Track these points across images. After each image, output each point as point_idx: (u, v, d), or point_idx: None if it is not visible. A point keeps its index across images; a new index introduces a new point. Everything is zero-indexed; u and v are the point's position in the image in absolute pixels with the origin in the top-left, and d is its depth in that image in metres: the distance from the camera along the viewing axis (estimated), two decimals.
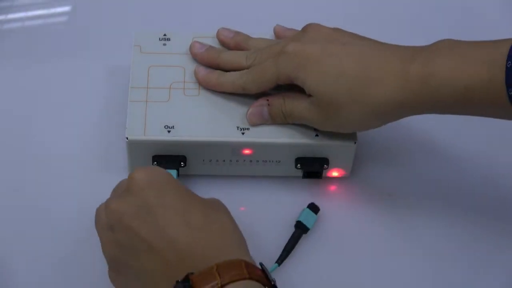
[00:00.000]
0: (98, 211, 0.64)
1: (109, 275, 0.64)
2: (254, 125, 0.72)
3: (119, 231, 0.61)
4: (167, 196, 0.61)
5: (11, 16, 0.90)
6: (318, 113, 0.69)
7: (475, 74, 0.62)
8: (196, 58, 0.76)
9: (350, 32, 0.70)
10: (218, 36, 0.77)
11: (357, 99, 0.66)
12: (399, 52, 0.67)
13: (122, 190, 0.63)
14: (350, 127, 0.70)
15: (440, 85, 0.64)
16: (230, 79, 0.73)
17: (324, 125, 0.70)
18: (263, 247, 0.71)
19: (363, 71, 0.66)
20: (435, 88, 0.64)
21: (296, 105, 0.70)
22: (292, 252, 0.71)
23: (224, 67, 0.74)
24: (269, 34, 0.78)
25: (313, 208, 0.73)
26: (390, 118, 0.68)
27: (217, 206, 0.64)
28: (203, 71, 0.75)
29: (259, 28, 0.77)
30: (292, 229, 0.72)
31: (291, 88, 0.71)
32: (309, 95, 0.69)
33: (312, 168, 0.74)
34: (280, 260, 0.70)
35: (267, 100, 0.72)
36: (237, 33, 0.77)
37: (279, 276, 0.67)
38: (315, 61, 0.67)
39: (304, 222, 0.72)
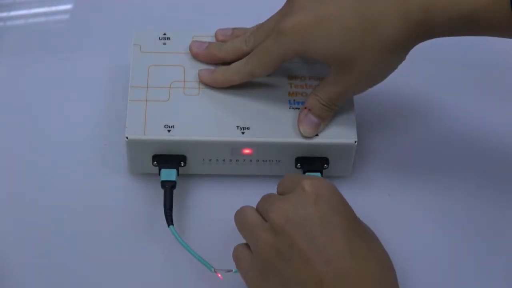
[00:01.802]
0: (250, 209, 0.65)
1: (249, 279, 0.63)
2: (312, 135, 0.72)
3: (280, 236, 0.60)
4: (337, 214, 0.60)
5: (13, 13, 0.90)
6: (345, 76, 0.69)
7: None
8: (198, 58, 0.76)
9: None
10: (217, 38, 0.77)
11: (368, 45, 0.66)
12: None
13: (293, 195, 0.62)
14: (375, 76, 0.69)
15: (441, 12, 0.64)
16: (236, 70, 0.73)
17: (357, 85, 0.70)
18: None
19: (363, 18, 0.66)
20: (437, 15, 0.64)
21: (326, 87, 0.70)
22: None
23: (227, 59, 0.74)
24: None
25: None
26: (404, 52, 0.68)
27: (375, 237, 0.63)
28: (206, 72, 0.74)
29: None
30: None
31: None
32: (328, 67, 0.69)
33: (312, 168, 0.73)
34: None
35: (305, 108, 0.72)
36: (235, 29, 0.77)
37: None
38: (314, 29, 0.67)
39: None
